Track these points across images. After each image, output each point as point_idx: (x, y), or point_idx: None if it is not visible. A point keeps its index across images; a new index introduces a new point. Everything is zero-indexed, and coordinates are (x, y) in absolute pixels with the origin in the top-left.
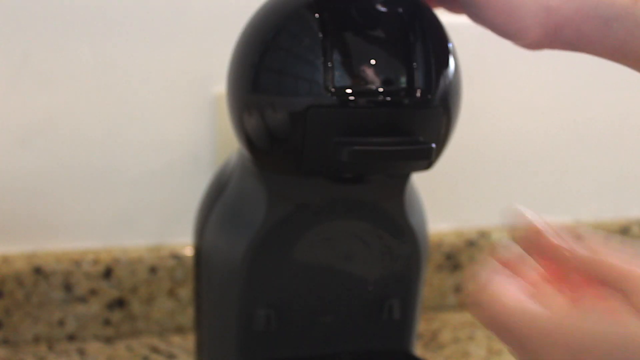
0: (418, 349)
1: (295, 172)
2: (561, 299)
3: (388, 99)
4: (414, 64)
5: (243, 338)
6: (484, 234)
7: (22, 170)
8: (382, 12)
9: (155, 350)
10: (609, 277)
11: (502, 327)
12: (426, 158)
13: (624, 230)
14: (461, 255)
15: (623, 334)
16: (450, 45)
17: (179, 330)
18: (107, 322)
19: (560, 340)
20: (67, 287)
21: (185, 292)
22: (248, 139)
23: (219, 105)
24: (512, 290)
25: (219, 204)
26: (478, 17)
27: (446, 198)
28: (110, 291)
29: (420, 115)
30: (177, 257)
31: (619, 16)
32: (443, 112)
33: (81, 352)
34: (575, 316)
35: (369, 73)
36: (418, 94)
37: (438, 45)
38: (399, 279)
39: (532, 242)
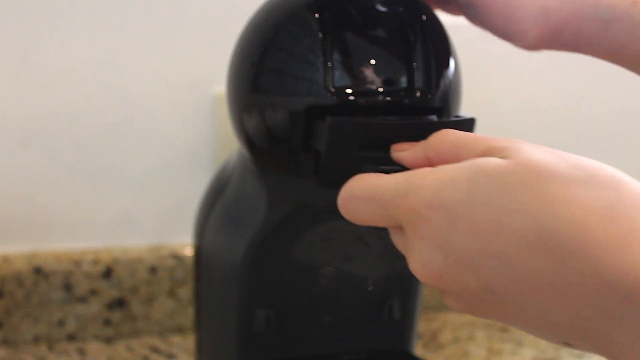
0: (418, 349)
1: (295, 172)
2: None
3: (388, 99)
4: (414, 64)
5: (243, 338)
6: None
7: (22, 170)
8: (382, 12)
9: (155, 350)
10: (469, 141)
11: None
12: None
13: None
14: None
15: (476, 169)
16: (450, 45)
17: (179, 330)
18: (107, 322)
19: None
20: (67, 287)
21: (185, 292)
22: (248, 139)
23: (219, 105)
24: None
25: (219, 204)
26: (476, 18)
27: None
28: (110, 291)
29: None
30: (177, 257)
31: (618, 18)
32: (443, 112)
33: (81, 352)
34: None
35: (369, 73)
36: (418, 94)
37: (438, 45)
38: (399, 279)
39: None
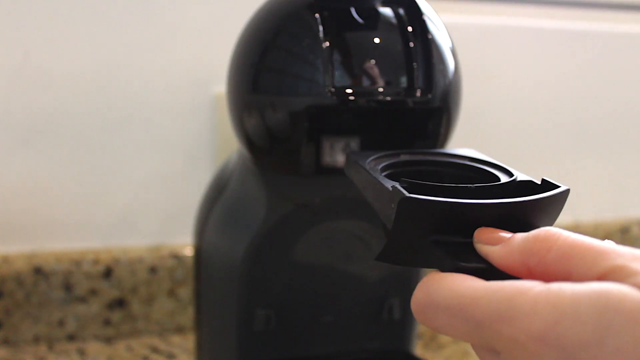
0: (418, 349)
1: (295, 172)
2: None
3: (388, 99)
4: (414, 64)
5: (243, 338)
6: None
7: (22, 170)
8: (382, 12)
9: (155, 350)
10: (583, 257)
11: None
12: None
13: (624, 230)
14: None
15: (608, 301)
16: (450, 45)
17: (179, 330)
18: (107, 322)
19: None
20: (67, 287)
21: (185, 292)
22: (248, 139)
23: (219, 105)
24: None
25: (219, 204)
26: None
27: None
28: (110, 291)
29: (420, 115)
30: (177, 257)
31: None
32: (443, 112)
33: (81, 352)
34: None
35: (369, 73)
36: (418, 93)
37: (438, 45)
38: (399, 279)
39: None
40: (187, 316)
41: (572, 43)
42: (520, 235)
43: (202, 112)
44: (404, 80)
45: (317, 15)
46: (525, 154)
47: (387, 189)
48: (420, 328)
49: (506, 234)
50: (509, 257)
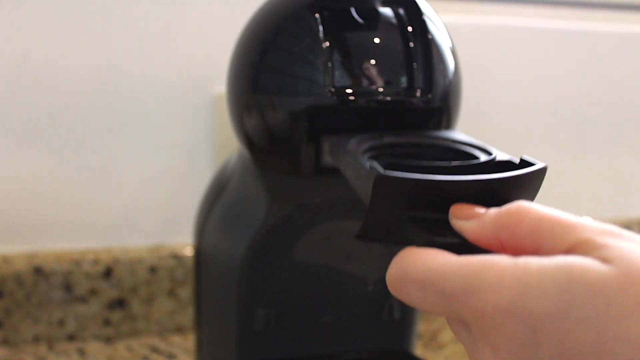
0: (418, 349)
1: (295, 172)
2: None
3: (388, 99)
4: (414, 63)
5: (243, 338)
6: None
7: (22, 170)
8: (382, 12)
9: (155, 350)
10: (553, 230)
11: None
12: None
13: None
14: None
15: (571, 274)
16: (450, 45)
17: (179, 330)
18: (107, 322)
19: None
20: (67, 287)
21: (185, 292)
22: (248, 139)
23: (219, 105)
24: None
25: (219, 204)
26: None
27: None
28: (110, 291)
29: (420, 115)
30: (177, 257)
31: None
32: (443, 112)
33: (81, 352)
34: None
35: (369, 73)
36: (418, 93)
37: (438, 45)
38: None
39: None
40: (187, 316)
41: (572, 43)
42: (493, 210)
43: (202, 112)
44: (404, 80)
45: (317, 15)
46: (525, 153)
47: (365, 168)
48: (420, 328)
49: (481, 210)
50: (482, 231)
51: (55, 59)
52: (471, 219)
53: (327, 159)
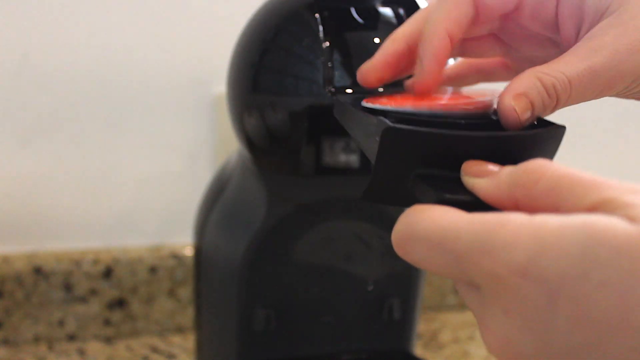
0: (418, 349)
1: (295, 172)
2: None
3: None
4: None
5: (243, 338)
6: None
7: (22, 171)
8: (382, 12)
9: (155, 350)
10: (573, 189)
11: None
12: None
13: None
14: None
15: (594, 234)
16: None
17: (179, 330)
18: (107, 322)
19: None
20: (67, 287)
21: (185, 292)
22: (248, 139)
23: (219, 105)
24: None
25: (219, 204)
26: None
27: None
28: (110, 291)
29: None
30: (177, 257)
31: None
32: None
33: (81, 352)
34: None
35: None
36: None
37: None
38: (399, 279)
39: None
40: (187, 316)
41: None
42: (508, 168)
43: (202, 112)
44: (403, 80)
45: (317, 15)
46: None
47: (372, 121)
48: (420, 328)
49: (495, 167)
50: (496, 189)
51: (56, 59)
52: (484, 176)
53: (328, 159)
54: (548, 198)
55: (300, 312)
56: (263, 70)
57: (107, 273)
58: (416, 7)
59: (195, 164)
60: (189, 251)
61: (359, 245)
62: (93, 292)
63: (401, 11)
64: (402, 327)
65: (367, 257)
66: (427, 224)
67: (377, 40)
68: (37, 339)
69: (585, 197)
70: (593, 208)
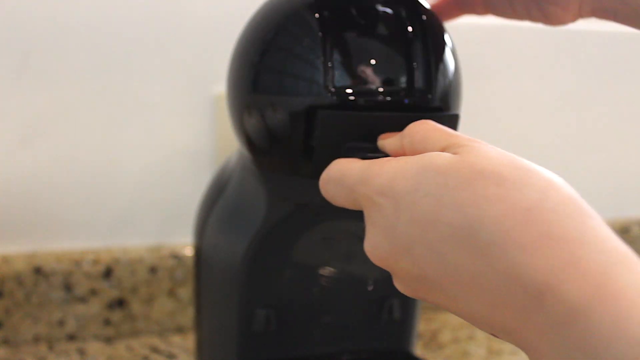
0: (418, 349)
1: (295, 172)
2: None
3: (388, 98)
4: (414, 64)
5: (243, 338)
6: None
7: (22, 171)
8: (382, 12)
9: (155, 350)
10: (436, 135)
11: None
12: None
13: (624, 230)
14: None
15: (427, 163)
16: (450, 45)
17: (179, 330)
18: (107, 322)
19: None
20: (67, 287)
21: (185, 292)
22: (248, 139)
23: (219, 105)
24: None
25: (219, 204)
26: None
27: None
28: (110, 291)
29: (420, 115)
30: (177, 257)
31: None
32: (443, 112)
33: (81, 352)
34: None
35: (369, 73)
36: (418, 94)
37: (438, 45)
38: None
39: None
40: (187, 316)
41: (573, 43)
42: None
43: (202, 112)
44: (404, 80)
45: (317, 15)
46: (525, 153)
47: (316, 116)
48: (420, 328)
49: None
50: (394, 142)
51: (55, 59)
52: (390, 138)
53: None
54: (421, 144)
55: (300, 312)
56: (263, 70)
57: (107, 273)
58: (416, 7)
59: (195, 164)
60: (189, 251)
61: (359, 245)
62: (93, 292)
63: (401, 11)
64: (402, 327)
65: (367, 257)
66: (335, 169)
67: (377, 40)
68: (37, 339)
69: (441, 142)
70: (442, 149)
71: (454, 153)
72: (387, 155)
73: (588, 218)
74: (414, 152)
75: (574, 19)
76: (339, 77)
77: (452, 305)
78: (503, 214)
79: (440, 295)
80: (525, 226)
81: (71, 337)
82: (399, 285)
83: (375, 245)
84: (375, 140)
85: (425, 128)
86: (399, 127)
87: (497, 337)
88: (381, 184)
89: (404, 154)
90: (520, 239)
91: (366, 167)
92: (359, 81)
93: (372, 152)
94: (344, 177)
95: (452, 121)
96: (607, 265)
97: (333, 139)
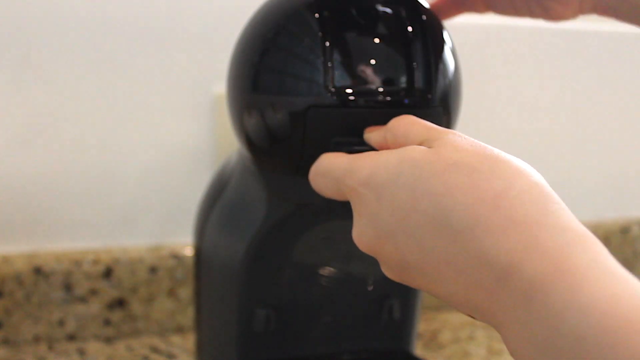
0: (418, 349)
1: (295, 172)
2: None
3: (388, 98)
4: (414, 64)
5: (243, 338)
6: None
7: (22, 171)
8: (382, 12)
9: (155, 350)
10: (415, 129)
11: (322, 170)
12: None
13: (624, 230)
14: None
15: (405, 156)
16: (450, 45)
17: (179, 330)
18: (107, 322)
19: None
20: (67, 287)
21: (185, 292)
22: (248, 139)
23: (219, 105)
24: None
25: (219, 204)
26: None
27: None
28: (110, 291)
29: (420, 115)
30: (177, 257)
31: None
32: (443, 112)
33: (81, 352)
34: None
35: (369, 73)
36: (418, 93)
37: (438, 45)
38: None
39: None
40: (187, 316)
41: (573, 43)
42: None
43: (202, 112)
44: (403, 80)
45: (317, 15)
46: (525, 153)
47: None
48: (420, 328)
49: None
50: (379, 135)
51: (55, 59)
52: (375, 132)
53: None
54: (402, 138)
55: (300, 312)
56: (263, 70)
57: (107, 273)
58: (416, 7)
59: (195, 164)
60: (189, 251)
61: None
62: (93, 292)
63: (401, 11)
64: (402, 327)
65: (367, 257)
66: (322, 162)
67: (377, 40)
68: (37, 339)
69: (419, 136)
70: (420, 143)
71: (430, 146)
72: (372, 149)
73: (550, 203)
74: (397, 146)
75: (574, 15)
76: (339, 77)
77: (432, 288)
78: (473, 202)
79: (421, 279)
80: (492, 212)
81: (71, 337)
82: (385, 270)
83: (362, 233)
84: (361, 135)
85: (405, 122)
86: (384, 122)
87: (475, 318)
88: (364, 175)
89: (387, 147)
90: (487, 224)
91: (351, 160)
92: (359, 81)
93: (359, 145)
94: (330, 170)
95: (435, 115)
96: (564, 245)
97: (321, 134)
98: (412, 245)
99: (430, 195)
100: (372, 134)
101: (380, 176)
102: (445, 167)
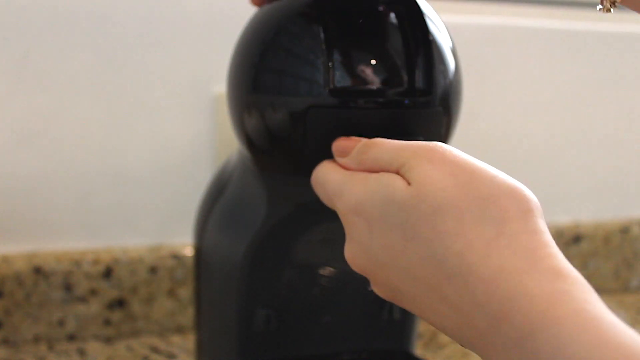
0: (418, 349)
1: (295, 172)
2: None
3: (388, 99)
4: (414, 64)
5: (243, 338)
6: None
7: (22, 171)
8: (382, 12)
9: (155, 350)
10: (386, 157)
11: (319, 182)
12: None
13: (624, 230)
14: None
15: (387, 194)
16: (450, 45)
17: (179, 330)
18: (107, 322)
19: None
20: (67, 287)
21: (185, 292)
22: (248, 139)
23: (219, 105)
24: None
25: (219, 204)
26: None
27: None
28: (110, 291)
29: (420, 115)
30: (177, 257)
31: None
32: (443, 112)
33: (81, 352)
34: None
35: (369, 73)
36: (418, 94)
37: (438, 45)
38: None
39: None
40: (187, 316)
41: (572, 43)
42: (358, 145)
43: (202, 112)
44: (404, 81)
45: (317, 15)
46: (525, 153)
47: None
48: (420, 328)
49: (356, 142)
50: (349, 162)
51: (55, 59)
52: (345, 155)
53: None
54: (376, 164)
55: (300, 312)
56: (263, 70)
57: (107, 273)
58: (416, 7)
59: (195, 164)
60: (189, 251)
61: None
62: (93, 292)
63: (401, 11)
64: (402, 327)
65: None
66: (319, 174)
67: (377, 40)
68: (37, 339)
69: (394, 163)
70: (396, 170)
71: (407, 180)
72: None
73: (540, 248)
74: (372, 169)
75: None
76: (339, 77)
77: (425, 316)
78: (463, 250)
79: (413, 306)
80: (483, 262)
81: (71, 337)
82: (376, 290)
83: (354, 257)
84: (361, 135)
85: (375, 148)
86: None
87: (464, 347)
88: (353, 203)
89: (355, 170)
90: (479, 274)
91: (343, 181)
92: (359, 81)
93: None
94: (324, 184)
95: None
96: (551, 294)
97: (322, 134)
98: (405, 279)
99: (420, 239)
100: (343, 160)
101: (368, 208)
102: (431, 212)
